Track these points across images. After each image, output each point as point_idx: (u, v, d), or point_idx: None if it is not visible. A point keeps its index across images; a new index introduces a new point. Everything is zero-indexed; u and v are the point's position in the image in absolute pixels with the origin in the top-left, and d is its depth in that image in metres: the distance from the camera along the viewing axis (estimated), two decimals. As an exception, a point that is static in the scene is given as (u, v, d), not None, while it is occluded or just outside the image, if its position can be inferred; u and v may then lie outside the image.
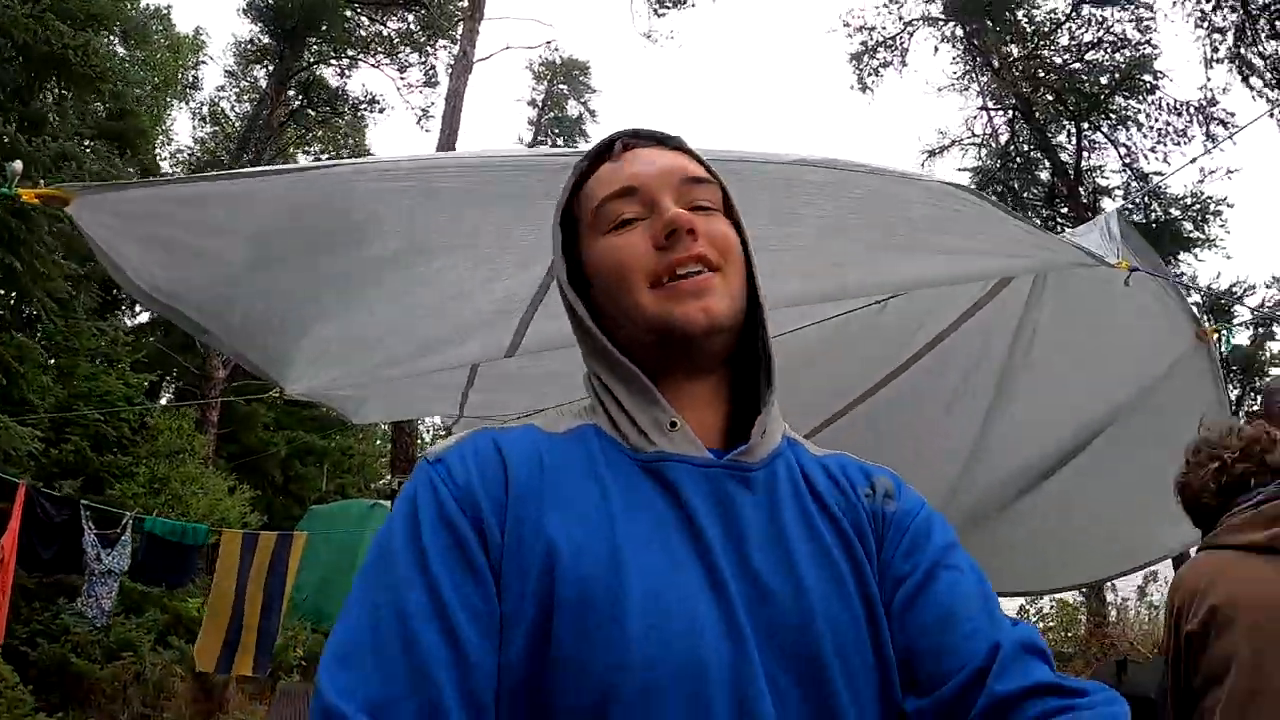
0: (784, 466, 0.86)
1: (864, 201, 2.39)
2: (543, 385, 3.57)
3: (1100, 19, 10.89)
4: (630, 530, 0.76)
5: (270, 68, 19.09)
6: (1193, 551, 2.27)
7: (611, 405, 0.85)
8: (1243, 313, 10.62)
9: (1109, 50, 10.91)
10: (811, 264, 2.74)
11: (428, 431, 15.39)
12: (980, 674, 0.74)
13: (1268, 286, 10.32)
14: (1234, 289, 10.69)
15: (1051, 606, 8.90)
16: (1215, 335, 3.59)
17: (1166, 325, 3.48)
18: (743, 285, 0.87)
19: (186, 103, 23.94)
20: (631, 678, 0.69)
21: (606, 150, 0.93)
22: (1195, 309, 3.56)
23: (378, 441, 22.13)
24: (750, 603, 0.75)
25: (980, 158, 11.82)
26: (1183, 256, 10.46)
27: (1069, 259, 2.86)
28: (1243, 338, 10.43)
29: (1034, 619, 8.76)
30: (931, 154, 12.03)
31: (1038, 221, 11.58)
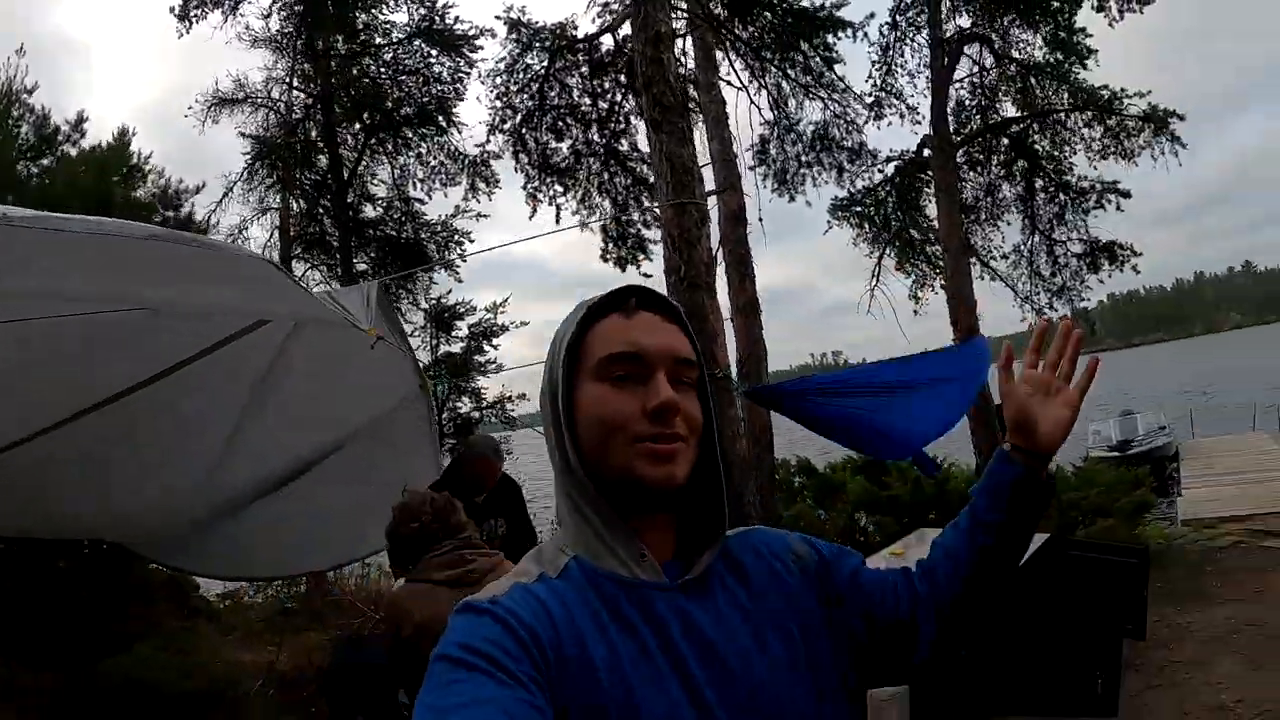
0: (718, 574, 1.04)
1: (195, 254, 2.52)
2: None
3: (426, 53, 11.81)
4: (624, 654, 0.91)
5: None
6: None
7: (592, 537, 0.99)
8: (462, 327, 12.46)
9: (420, 82, 11.92)
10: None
11: None
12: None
13: (487, 310, 12.34)
14: (458, 306, 12.48)
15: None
16: (433, 386, 4.48)
17: (399, 375, 4.22)
18: (697, 451, 1.03)
19: None
20: None
21: (620, 302, 1.03)
22: (421, 365, 4.37)
23: None
24: (725, 701, 0.93)
25: (268, 125, 11.71)
26: (433, 276, 11.95)
27: (331, 317, 3.29)
28: (457, 347, 12.49)
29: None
30: (223, 102, 11.51)
31: (284, 267, 12.07)
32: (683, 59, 10.22)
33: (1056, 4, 9.60)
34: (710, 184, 8.77)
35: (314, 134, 11.81)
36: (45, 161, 9.28)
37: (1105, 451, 20.50)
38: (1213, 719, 4.35)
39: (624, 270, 12.52)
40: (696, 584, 1.00)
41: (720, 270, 8.91)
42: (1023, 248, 11.45)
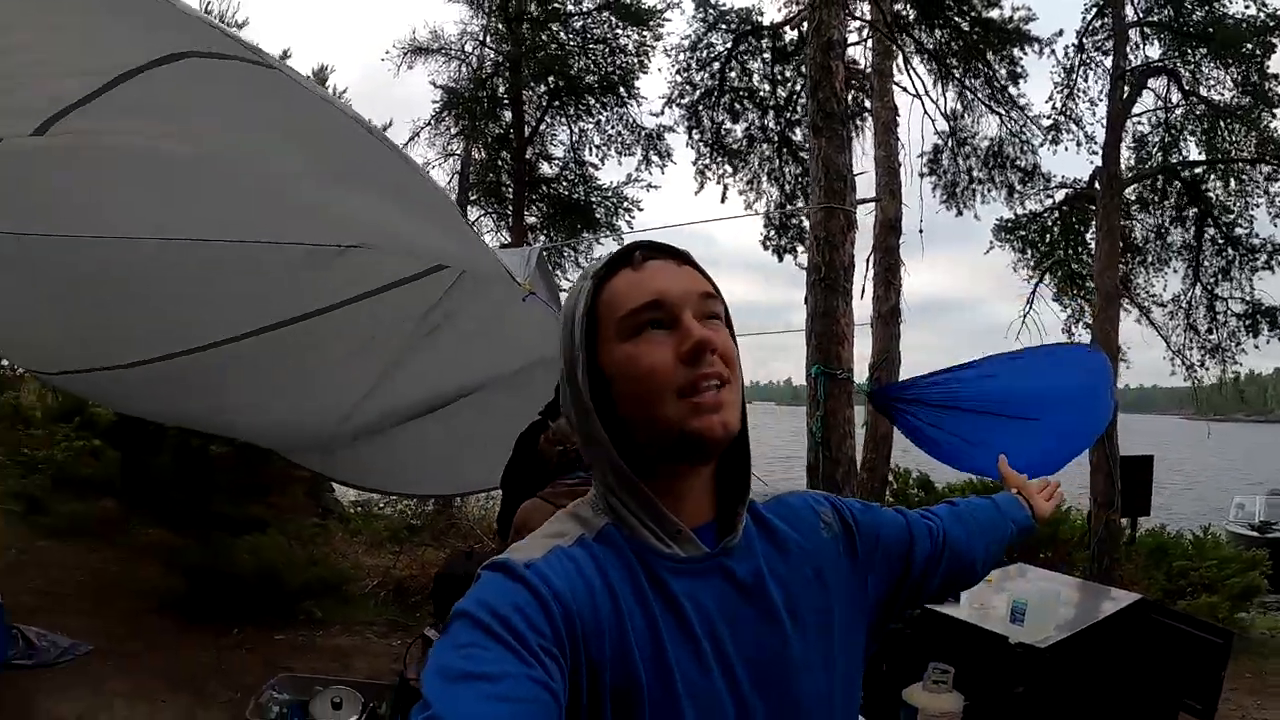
0: (752, 539, 1.00)
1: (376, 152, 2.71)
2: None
3: (613, 25, 12.12)
4: (664, 628, 0.89)
5: None
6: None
7: (625, 512, 0.94)
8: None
9: (606, 52, 12.30)
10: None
11: None
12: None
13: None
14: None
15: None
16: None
17: (543, 333, 4.56)
18: (742, 390, 0.97)
19: None
20: None
21: (625, 258, 0.97)
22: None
23: None
24: (757, 681, 0.92)
25: (459, 77, 12.35)
26: (598, 237, 12.42)
27: (491, 268, 3.57)
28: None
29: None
30: (418, 50, 12.20)
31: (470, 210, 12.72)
32: (860, 61, 10.09)
33: (1249, 46, 8.83)
34: (871, 190, 8.74)
35: (500, 90, 12.35)
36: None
37: (1243, 528, 19.05)
38: (1251, 820, 4.17)
39: (781, 259, 12.52)
40: (735, 550, 0.96)
41: (869, 275, 8.91)
42: (1182, 299, 10.54)
